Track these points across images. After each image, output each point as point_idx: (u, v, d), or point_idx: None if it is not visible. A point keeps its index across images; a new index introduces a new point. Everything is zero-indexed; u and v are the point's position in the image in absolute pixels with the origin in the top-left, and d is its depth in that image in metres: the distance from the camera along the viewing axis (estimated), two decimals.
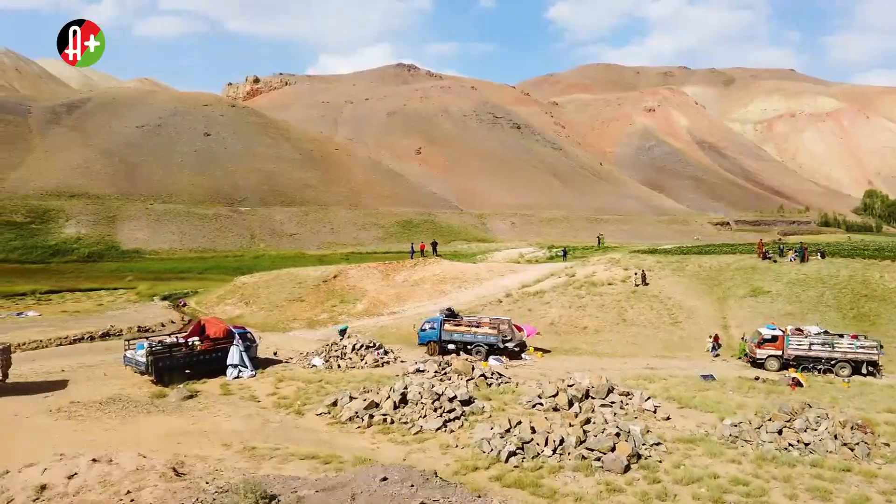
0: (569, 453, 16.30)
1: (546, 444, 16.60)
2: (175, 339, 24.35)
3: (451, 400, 19.94)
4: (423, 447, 17.49)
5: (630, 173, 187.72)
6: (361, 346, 27.08)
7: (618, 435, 16.44)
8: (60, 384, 22.69)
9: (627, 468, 15.27)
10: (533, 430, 17.11)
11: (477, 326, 28.57)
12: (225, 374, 24.27)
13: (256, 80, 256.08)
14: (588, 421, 17.52)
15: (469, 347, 28.15)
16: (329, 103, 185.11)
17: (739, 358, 28.34)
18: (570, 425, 17.54)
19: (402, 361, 27.25)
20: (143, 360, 22.62)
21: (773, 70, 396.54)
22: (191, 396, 21.63)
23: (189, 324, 38.77)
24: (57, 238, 79.05)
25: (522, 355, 28.67)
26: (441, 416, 19.30)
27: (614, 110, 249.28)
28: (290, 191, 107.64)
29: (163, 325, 36.37)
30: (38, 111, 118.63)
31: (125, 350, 23.48)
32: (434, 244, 50.05)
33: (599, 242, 65.07)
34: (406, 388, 20.51)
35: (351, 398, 20.67)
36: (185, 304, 43.54)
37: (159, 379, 22.49)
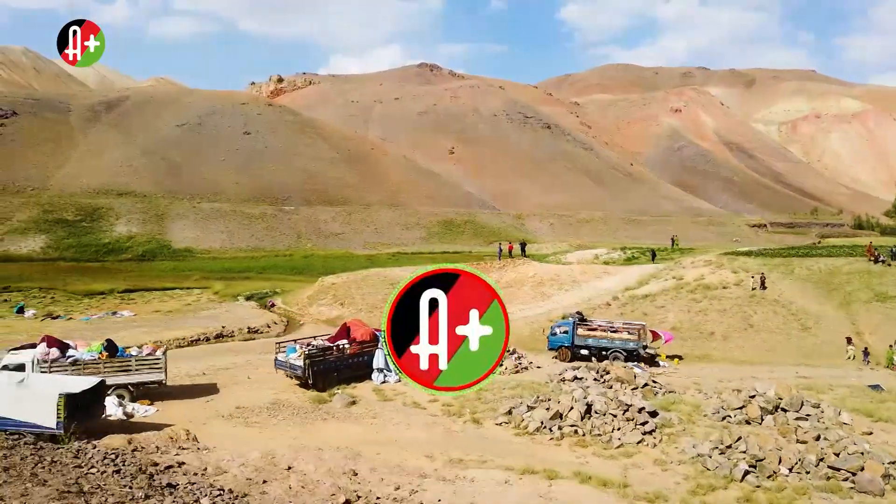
0: (807, 472, 15.37)
1: (780, 462, 15.69)
2: (323, 342, 23.64)
3: (639, 411, 19.02)
4: (634, 462, 16.63)
5: (660, 174, 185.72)
6: None
7: (862, 454, 15.49)
8: (212, 388, 22.09)
9: (883, 490, 14.40)
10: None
11: (614, 331, 27.55)
12: (369, 377, 23.56)
13: (280, 80, 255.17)
14: (819, 437, 16.53)
15: (605, 353, 27.11)
16: (358, 103, 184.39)
17: (887, 367, 27.19)
18: (800, 441, 16.57)
19: (537, 367, 26.39)
20: (297, 363, 21.94)
21: (794, 70, 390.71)
22: (353, 402, 20.91)
23: (289, 325, 38.21)
24: (109, 236, 78.88)
25: (658, 361, 27.69)
26: (635, 427, 18.42)
27: (639, 110, 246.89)
28: (331, 190, 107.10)
29: (268, 327, 35.61)
30: (78, 109, 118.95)
31: (276, 353, 22.81)
32: (523, 245, 49.07)
33: (673, 244, 63.74)
34: (587, 397, 19.64)
35: (528, 407, 19.82)
36: (273, 305, 42.78)
37: (315, 383, 21.81)
